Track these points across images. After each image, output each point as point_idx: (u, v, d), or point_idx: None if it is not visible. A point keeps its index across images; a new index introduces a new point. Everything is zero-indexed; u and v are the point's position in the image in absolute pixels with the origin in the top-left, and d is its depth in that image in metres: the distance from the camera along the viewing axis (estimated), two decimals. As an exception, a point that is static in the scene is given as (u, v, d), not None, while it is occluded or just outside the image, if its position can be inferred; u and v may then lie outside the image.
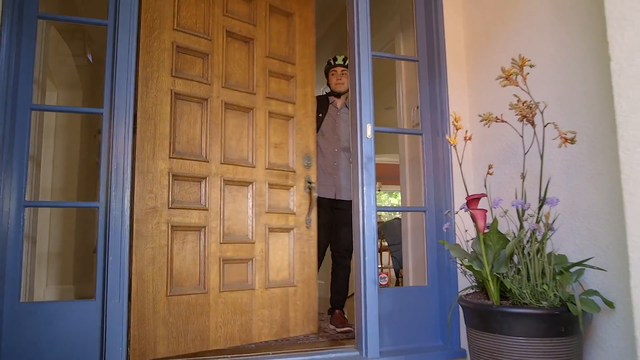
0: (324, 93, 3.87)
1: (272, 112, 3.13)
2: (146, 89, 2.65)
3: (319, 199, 3.47)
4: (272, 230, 3.06)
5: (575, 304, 1.70)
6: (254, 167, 3.01)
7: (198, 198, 2.78)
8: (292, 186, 3.18)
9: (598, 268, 1.79)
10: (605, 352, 1.82)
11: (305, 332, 3.12)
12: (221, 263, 2.81)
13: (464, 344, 2.57)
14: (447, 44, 2.80)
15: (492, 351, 1.82)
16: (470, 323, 1.95)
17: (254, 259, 2.95)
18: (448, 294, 2.63)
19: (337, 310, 3.58)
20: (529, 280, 1.81)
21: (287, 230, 3.13)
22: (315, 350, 2.54)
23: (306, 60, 3.34)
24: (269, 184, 3.06)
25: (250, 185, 2.99)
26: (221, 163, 2.87)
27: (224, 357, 2.41)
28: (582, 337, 1.81)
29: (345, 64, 3.70)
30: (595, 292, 1.78)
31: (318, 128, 3.59)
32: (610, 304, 1.76)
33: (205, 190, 2.80)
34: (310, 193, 3.20)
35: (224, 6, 3.01)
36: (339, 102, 3.76)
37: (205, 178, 2.81)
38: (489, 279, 1.87)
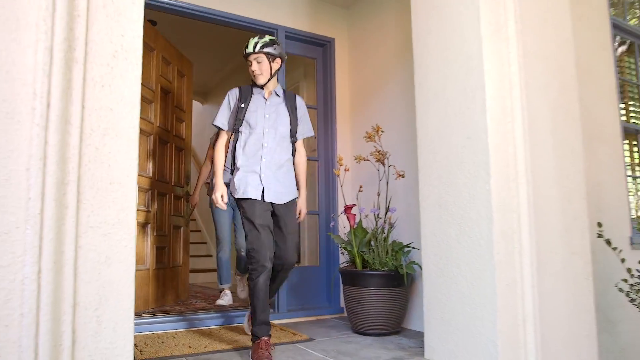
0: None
1: (176, 146, 4.17)
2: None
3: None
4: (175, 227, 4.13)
5: (403, 269, 3.04)
6: (168, 182, 4.03)
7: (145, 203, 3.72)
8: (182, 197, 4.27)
9: (415, 248, 3.15)
10: (418, 295, 3.19)
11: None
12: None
13: (342, 304, 3.85)
14: (337, 100, 4.08)
15: (358, 297, 3.09)
16: (345, 282, 3.21)
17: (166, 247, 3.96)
18: (333, 270, 3.90)
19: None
20: (379, 255, 3.12)
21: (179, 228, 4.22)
22: (235, 309, 3.64)
23: (189, 108, 4.46)
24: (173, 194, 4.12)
25: (167, 195, 4.00)
26: (156, 179, 3.82)
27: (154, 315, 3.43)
28: (407, 287, 3.15)
29: (258, 50, 2.63)
30: (415, 262, 3.13)
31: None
32: (421, 267, 3.12)
33: (149, 198, 3.74)
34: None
35: (159, 69, 3.95)
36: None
37: (149, 190, 3.74)
38: (356, 255, 3.15)
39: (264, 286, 2.45)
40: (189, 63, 4.50)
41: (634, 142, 3.87)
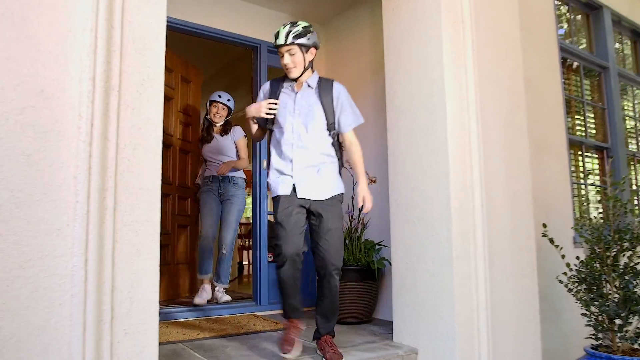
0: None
1: (181, 149, 4.44)
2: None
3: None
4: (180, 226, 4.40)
5: (374, 264, 3.40)
6: (171, 184, 4.28)
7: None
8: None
9: (385, 246, 3.52)
10: (388, 288, 3.55)
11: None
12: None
13: (318, 297, 4.18)
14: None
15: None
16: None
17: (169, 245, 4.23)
18: (309, 266, 4.22)
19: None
20: (353, 252, 3.47)
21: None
22: (221, 305, 3.93)
23: (197, 112, 4.72)
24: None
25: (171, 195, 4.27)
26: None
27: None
28: (377, 281, 3.51)
29: (290, 41, 2.44)
30: (385, 258, 3.49)
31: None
32: (391, 263, 3.49)
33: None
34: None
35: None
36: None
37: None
38: (333, 252, 3.49)
39: (289, 275, 2.39)
40: (196, 70, 4.75)
41: (579, 152, 4.34)
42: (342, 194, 2.53)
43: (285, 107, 2.48)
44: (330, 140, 2.50)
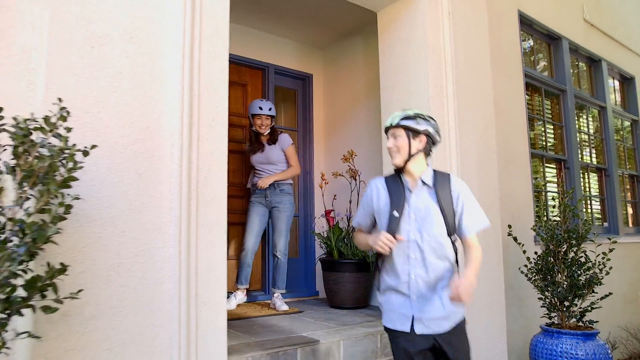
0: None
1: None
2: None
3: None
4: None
5: (369, 258, 4.03)
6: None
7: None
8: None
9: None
10: (380, 279, 4.19)
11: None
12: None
13: (318, 287, 4.80)
14: (314, 124, 5.04)
15: (335, 280, 4.06)
16: (325, 269, 4.18)
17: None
18: (309, 261, 4.85)
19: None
20: (351, 248, 4.09)
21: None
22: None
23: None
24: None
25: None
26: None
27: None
28: (371, 272, 4.15)
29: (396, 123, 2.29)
30: (377, 254, 4.13)
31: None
32: (382, 258, 4.13)
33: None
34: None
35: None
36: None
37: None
38: (334, 248, 4.12)
39: None
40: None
41: (540, 164, 5.07)
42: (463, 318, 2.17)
43: (399, 209, 2.12)
44: (452, 249, 2.16)
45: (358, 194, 4.31)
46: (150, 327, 2.04)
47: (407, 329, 2.07)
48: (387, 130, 2.23)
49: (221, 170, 2.33)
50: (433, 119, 2.22)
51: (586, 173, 5.75)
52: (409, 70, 3.55)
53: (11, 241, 1.48)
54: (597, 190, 5.94)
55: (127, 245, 2.02)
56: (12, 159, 1.59)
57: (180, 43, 2.24)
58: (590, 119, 6.10)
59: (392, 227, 2.09)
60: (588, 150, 5.93)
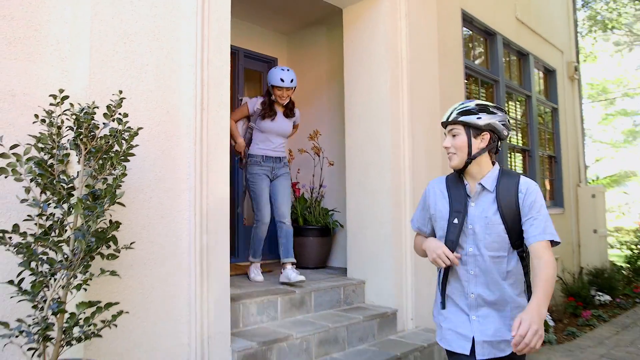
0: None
1: None
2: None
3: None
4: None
5: (330, 225, 4.63)
6: None
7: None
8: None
9: (337, 211, 4.76)
10: (338, 243, 4.82)
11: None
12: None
13: (280, 252, 5.36)
14: (278, 104, 5.51)
15: (300, 243, 4.64)
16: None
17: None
18: (273, 228, 5.38)
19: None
20: (314, 216, 4.67)
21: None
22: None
23: None
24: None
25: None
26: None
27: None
28: (331, 237, 4.76)
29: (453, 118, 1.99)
30: (337, 221, 4.74)
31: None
32: (342, 226, 4.73)
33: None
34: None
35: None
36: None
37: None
38: (300, 215, 4.68)
39: None
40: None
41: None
42: None
43: (457, 217, 1.87)
44: (514, 263, 1.87)
45: (321, 169, 4.88)
46: (172, 275, 2.52)
47: (467, 352, 1.84)
48: (444, 125, 1.93)
49: (225, 148, 2.80)
50: (500, 109, 1.90)
51: (513, 153, 6.61)
52: (371, 64, 4.11)
53: (89, 201, 1.92)
54: (522, 169, 6.84)
55: (154, 209, 2.48)
56: (74, 139, 2.00)
57: (193, 41, 2.68)
58: (517, 106, 6.96)
59: (451, 237, 1.86)
60: (515, 133, 6.79)
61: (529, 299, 1.78)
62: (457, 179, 1.96)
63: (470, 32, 5.91)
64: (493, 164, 1.94)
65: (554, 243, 1.81)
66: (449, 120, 1.91)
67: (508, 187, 1.86)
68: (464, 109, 1.88)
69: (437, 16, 4.68)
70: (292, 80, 3.90)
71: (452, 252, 1.83)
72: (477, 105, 1.89)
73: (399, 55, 4.08)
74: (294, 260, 3.94)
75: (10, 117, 2.22)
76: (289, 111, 4.06)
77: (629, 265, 8.64)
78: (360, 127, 4.17)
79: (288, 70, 3.96)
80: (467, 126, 1.86)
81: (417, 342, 3.58)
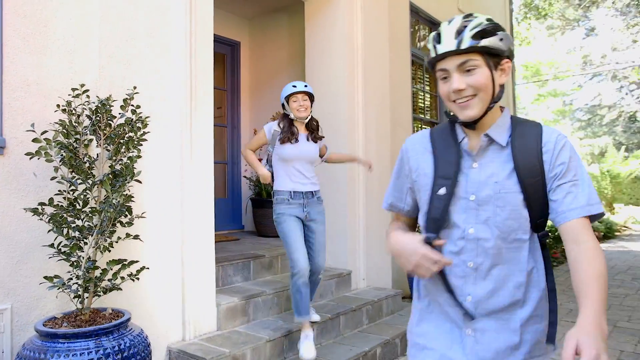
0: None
1: None
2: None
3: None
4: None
5: (291, 197, 5.14)
6: None
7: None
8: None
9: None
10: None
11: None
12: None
13: (244, 222, 5.84)
14: (241, 86, 5.90)
15: (263, 215, 5.12)
16: (255, 206, 5.23)
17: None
18: (236, 201, 5.83)
19: None
20: (276, 190, 5.16)
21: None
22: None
23: None
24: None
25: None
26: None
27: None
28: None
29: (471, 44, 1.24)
30: (297, 194, 5.26)
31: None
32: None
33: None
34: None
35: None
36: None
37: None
38: (263, 189, 5.16)
39: None
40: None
41: (419, 126, 6.47)
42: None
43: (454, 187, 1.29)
44: (535, 250, 1.30)
45: (282, 147, 5.36)
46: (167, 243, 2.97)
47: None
48: (438, 60, 1.23)
49: (209, 126, 3.22)
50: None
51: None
52: (331, 54, 4.59)
53: (110, 177, 2.33)
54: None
55: (154, 192, 2.89)
56: (92, 126, 2.39)
57: (183, 38, 3.06)
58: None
59: (435, 215, 1.29)
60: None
61: (551, 308, 1.29)
62: (447, 132, 1.34)
63: (417, 22, 6.48)
64: (501, 108, 1.32)
65: (592, 218, 1.21)
66: (461, 48, 1.19)
67: (527, 140, 1.25)
68: (479, 27, 1.19)
69: (388, 8, 5.19)
70: (306, 85, 3.33)
71: (438, 240, 1.25)
72: (487, 20, 1.22)
73: (355, 44, 4.60)
74: (316, 318, 3.46)
75: (26, 103, 2.55)
76: (312, 132, 3.43)
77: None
78: (320, 105, 4.67)
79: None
80: (488, 54, 1.20)
81: (368, 297, 4.20)
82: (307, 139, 3.40)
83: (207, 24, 3.22)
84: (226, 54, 5.91)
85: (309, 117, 3.40)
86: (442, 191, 1.29)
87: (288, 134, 3.30)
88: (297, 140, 3.32)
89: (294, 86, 3.32)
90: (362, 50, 4.64)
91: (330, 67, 4.60)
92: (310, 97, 3.36)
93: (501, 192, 1.25)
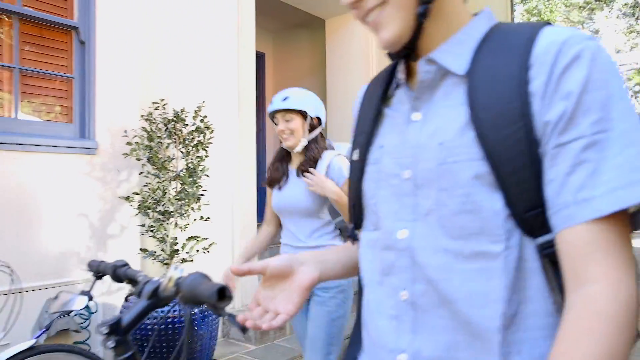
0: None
1: None
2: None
3: None
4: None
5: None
6: None
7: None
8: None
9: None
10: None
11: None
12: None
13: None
14: (266, 95, 6.55)
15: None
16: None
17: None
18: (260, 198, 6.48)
19: None
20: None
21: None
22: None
23: None
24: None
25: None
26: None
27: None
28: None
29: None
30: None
31: None
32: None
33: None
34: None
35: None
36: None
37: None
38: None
39: None
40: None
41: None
42: None
43: (385, 156, 0.73)
44: (527, 272, 0.61)
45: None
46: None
47: None
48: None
49: (252, 133, 3.87)
50: None
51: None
52: (349, 64, 5.24)
53: (186, 173, 2.98)
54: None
55: (215, 184, 3.54)
56: (169, 131, 3.04)
57: (233, 55, 3.71)
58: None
59: (353, 199, 0.82)
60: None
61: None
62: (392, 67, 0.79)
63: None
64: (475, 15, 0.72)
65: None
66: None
67: (504, 58, 0.63)
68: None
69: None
70: (285, 99, 2.06)
71: (353, 231, 0.84)
72: None
73: (369, 62, 5.24)
74: None
75: (111, 115, 3.21)
76: (305, 166, 2.05)
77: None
78: (338, 120, 5.32)
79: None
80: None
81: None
82: (298, 175, 2.06)
83: (250, 41, 3.88)
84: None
85: (303, 145, 2.05)
86: (355, 155, 0.80)
87: (274, 172, 2.16)
88: (286, 181, 2.12)
89: (271, 102, 2.12)
90: (377, 63, 5.28)
91: (347, 75, 5.24)
92: (303, 114, 2.07)
93: (447, 162, 0.64)
